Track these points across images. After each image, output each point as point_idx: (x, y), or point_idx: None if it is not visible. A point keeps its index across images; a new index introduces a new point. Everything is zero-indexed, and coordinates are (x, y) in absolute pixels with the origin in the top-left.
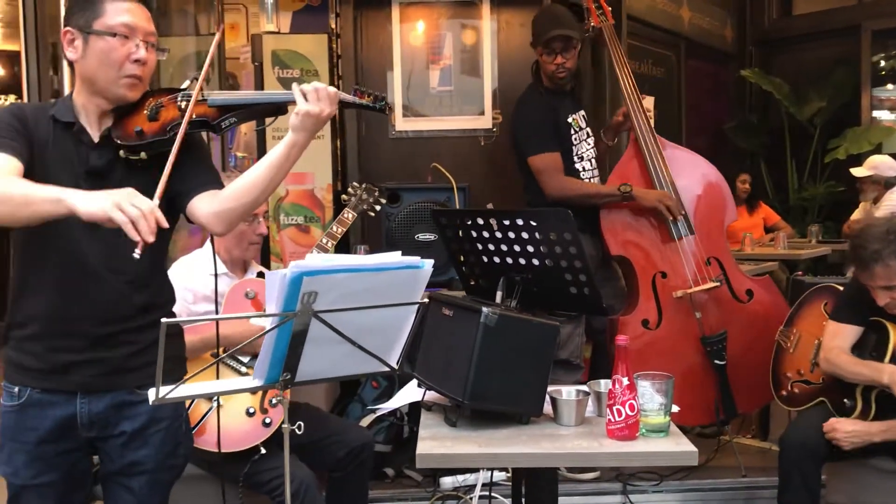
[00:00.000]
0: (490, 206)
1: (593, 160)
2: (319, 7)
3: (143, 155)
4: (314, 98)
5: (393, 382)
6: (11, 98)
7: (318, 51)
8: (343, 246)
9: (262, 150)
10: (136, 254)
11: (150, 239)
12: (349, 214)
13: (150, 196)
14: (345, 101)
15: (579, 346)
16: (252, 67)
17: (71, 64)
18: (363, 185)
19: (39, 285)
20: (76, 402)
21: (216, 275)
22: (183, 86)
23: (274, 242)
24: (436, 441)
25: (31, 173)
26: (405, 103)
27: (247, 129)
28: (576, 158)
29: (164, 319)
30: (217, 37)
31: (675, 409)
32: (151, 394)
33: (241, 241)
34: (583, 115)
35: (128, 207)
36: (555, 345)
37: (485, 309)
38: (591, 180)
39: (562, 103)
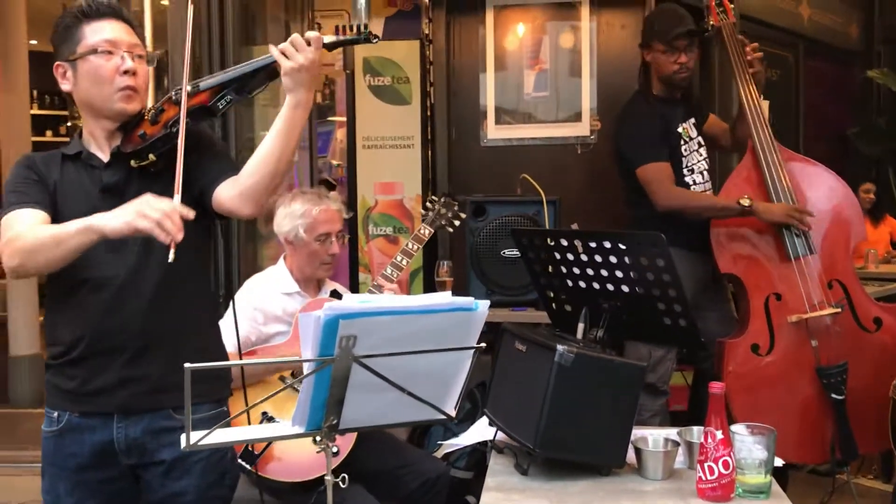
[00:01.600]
0: (575, 226)
1: (705, 172)
2: (412, 12)
3: (151, 157)
4: (293, 52)
5: (477, 405)
6: None
7: (409, 57)
8: (430, 257)
9: (351, 157)
10: (171, 256)
11: (179, 237)
12: (426, 231)
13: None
14: (328, 42)
15: (669, 371)
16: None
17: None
18: (441, 199)
19: (72, 309)
20: (113, 427)
21: (225, 297)
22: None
23: (362, 253)
24: (501, 493)
25: (53, 212)
26: (498, 109)
27: (341, 136)
28: (685, 171)
29: (187, 365)
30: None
31: (777, 462)
32: (183, 440)
33: (312, 260)
34: (693, 124)
35: (149, 212)
36: (640, 388)
37: (559, 347)
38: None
39: (671, 111)
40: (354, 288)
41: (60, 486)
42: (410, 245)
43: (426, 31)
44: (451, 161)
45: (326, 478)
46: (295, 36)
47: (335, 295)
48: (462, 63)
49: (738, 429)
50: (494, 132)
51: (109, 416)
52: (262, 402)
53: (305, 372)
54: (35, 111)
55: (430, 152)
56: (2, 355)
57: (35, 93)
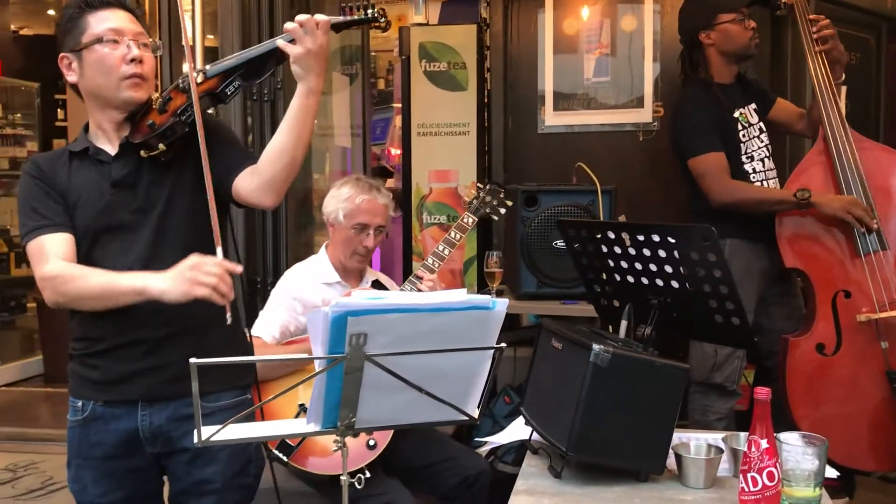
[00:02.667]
0: (622, 218)
1: (766, 160)
2: None
3: (161, 147)
4: (301, 35)
5: None
6: None
7: (466, 42)
8: (486, 246)
9: (406, 144)
10: (228, 318)
11: (232, 296)
12: (468, 219)
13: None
14: (335, 23)
15: (738, 370)
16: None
17: (79, 92)
18: (487, 187)
19: None
20: (137, 415)
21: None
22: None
23: (416, 242)
24: (532, 497)
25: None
26: (557, 95)
27: (399, 122)
28: (745, 158)
29: (192, 360)
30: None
31: (830, 474)
32: (196, 436)
33: (345, 246)
34: (754, 109)
35: (203, 278)
36: (682, 390)
37: (595, 346)
38: (765, 182)
39: (728, 96)
40: (408, 276)
41: (86, 476)
42: (453, 234)
43: (483, 15)
44: (508, 148)
45: (342, 478)
46: (302, 16)
47: (377, 285)
48: (520, 48)
49: (786, 437)
50: (553, 118)
51: (133, 405)
52: (275, 397)
53: (316, 370)
54: None
55: (486, 139)
56: (68, 336)
57: None
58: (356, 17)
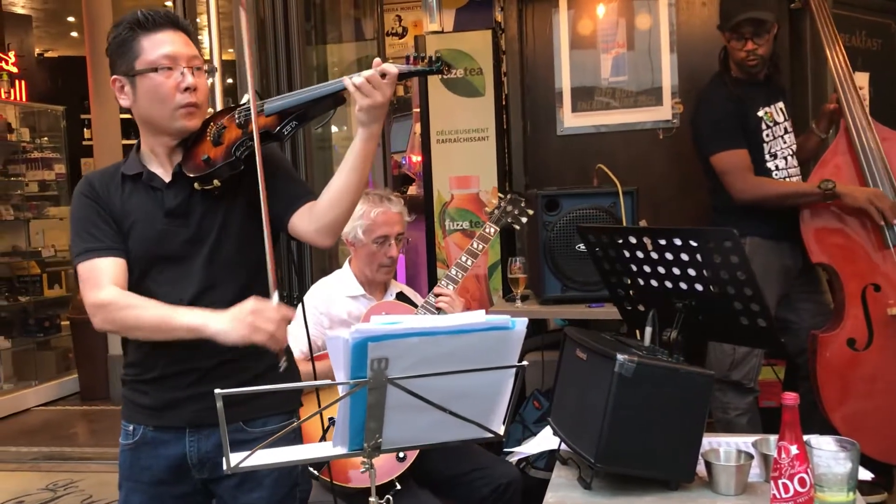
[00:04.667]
0: (643, 222)
1: (790, 158)
2: (483, 2)
3: (216, 182)
4: (369, 89)
5: None
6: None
7: (482, 48)
8: (508, 251)
9: (426, 152)
10: (282, 366)
11: (286, 343)
12: (490, 229)
13: (236, 219)
14: (401, 72)
15: (755, 368)
16: None
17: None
18: (508, 196)
19: None
20: (185, 441)
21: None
22: (242, 101)
23: (440, 248)
24: None
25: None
26: (575, 96)
27: (419, 129)
28: (768, 156)
29: (217, 391)
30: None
31: (864, 476)
32: (225, 463)
33: (370, 261)
34: (781, 108)
35: (263, 325)
36: (708, 397)
37: (619, 356)
38: (788, 179)
39: (753, 94)
40: (433, 283)
41: (136, 499)
42: (476, 245)
43: (498, 20)
44: (528, 152)
45: (371, 500)
46: (370, 73)
47: (401, 297)
48: (536, 51)
49: (817, 442)
50: (571, 120)
51: (181, 431)
52: (305, 420)
53: (340, 394)
54: (125, 116)
55: (505, 144)
56: (102, 354)
57: None
58: (421, 67)
